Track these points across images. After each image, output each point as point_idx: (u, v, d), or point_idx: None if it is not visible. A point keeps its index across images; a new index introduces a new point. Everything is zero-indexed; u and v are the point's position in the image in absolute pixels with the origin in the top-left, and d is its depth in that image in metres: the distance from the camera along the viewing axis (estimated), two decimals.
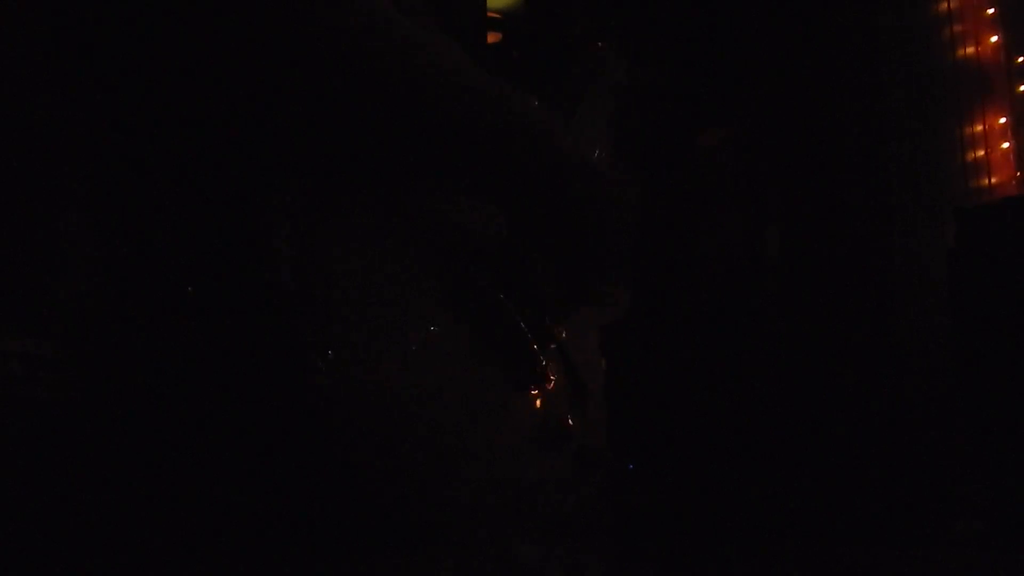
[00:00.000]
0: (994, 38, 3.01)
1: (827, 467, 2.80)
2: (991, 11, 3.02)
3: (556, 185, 0.80)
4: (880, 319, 2.88)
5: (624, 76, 1.18)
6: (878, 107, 3.01)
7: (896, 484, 2.69)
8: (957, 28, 3.06)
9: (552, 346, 0.88)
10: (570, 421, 0.87)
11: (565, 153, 0.81)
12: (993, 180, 2.94)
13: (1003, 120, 2.95)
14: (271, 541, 0.75)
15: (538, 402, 0.84)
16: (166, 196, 0.80)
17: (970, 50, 3.03)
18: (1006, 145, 2.94)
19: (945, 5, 3.08)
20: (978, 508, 2.31)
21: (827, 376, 2.90)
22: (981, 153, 2.97)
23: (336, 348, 0.70)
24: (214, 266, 0.77)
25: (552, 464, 0.84)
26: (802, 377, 2.94)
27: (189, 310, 0.77)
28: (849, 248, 2.98)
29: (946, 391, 2.67)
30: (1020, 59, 2.96)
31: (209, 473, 0.76)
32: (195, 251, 0.78)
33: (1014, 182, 2.90)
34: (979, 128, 2.98)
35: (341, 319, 0.72)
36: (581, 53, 1.18)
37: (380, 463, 0.72)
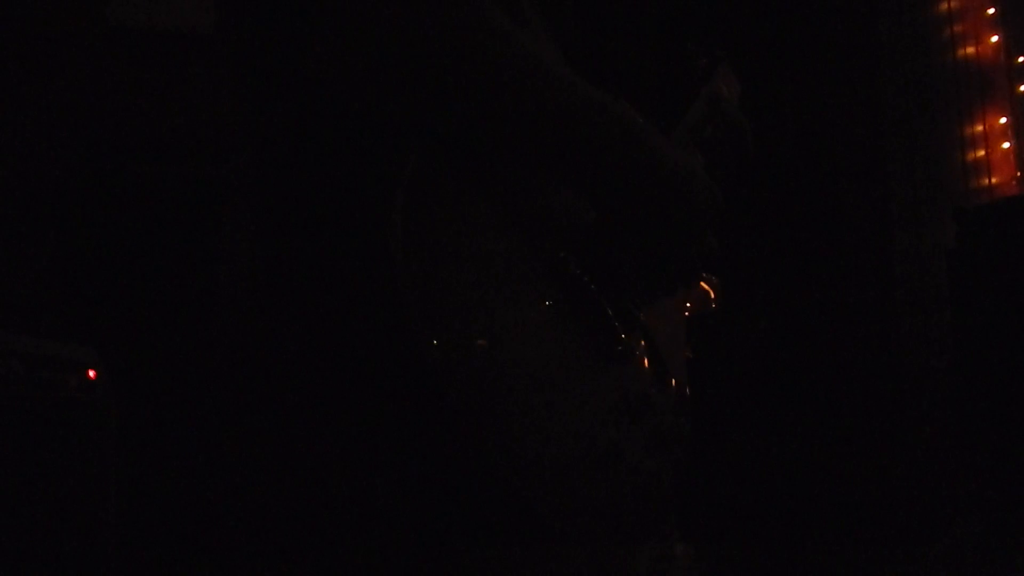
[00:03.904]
0: (994, 38, 3.01)
1: (827, 467, 2.80)
2: (991, 11, 3.02)
3: (648, 186, 0.86)
4: (880, 319, 2.88)
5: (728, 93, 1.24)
6: (878, 107, 3.01)
7: (896, 484, 2.69)
8: (957, 28, 3.06)
9: (635, 328, 0.94)
10: (650, 397, 0.92)
11: (658, 156, 0.86)
12: (993, 180, 2.94)
13: (1003, 120, 2.95)
14: (389, 530, 0.76)
15: (619, 377, 0.89)
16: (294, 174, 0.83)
17: (970, 50, 3.03)
18: (1006, 145, 2.94)
19: (945, 5, 3.08)
20: (978, 508, 2.31)
21: (827, 376, 2.90)
22: (981, 153, 2.97)
23: (446, 327, 0.72)
24: (329, 244, 0.79)
25: (630, 432, 0.88)
26: (801, 377, 2.94)
27: (305, 292, 0.79)
28: (849, 248, 2.98)
29: (946, 391, 2.67)
30: (1020, 59, 2.96)
31: (322, 457, 0.77)
32: (315, 230, 0.80)
33: (1014, 182, 2.90)
34: (979, 128, 2.98)
35: (450, 297, 0.73)
36: (696, 69, 1.25)
37: (492, 442, 0.72)
